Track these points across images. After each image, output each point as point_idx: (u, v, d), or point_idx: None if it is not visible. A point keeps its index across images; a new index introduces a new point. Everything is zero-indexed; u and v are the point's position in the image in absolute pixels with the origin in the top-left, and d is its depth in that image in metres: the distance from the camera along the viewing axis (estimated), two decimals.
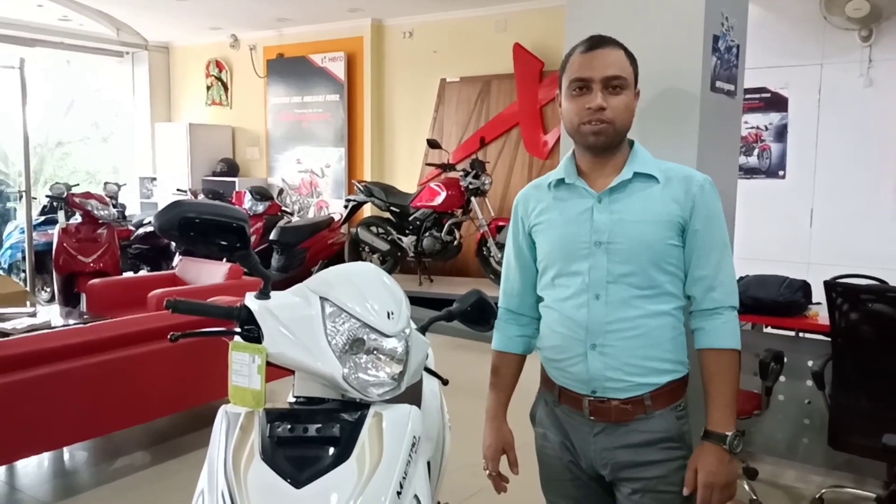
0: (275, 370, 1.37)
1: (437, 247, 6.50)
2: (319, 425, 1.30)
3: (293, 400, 1.43)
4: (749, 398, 2.95)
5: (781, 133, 5.35)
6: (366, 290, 1.40)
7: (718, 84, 1.86)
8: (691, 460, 1.45)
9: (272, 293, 1.37)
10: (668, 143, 1.73)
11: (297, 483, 1.23)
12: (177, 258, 6.45)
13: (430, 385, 2.00)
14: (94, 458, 3.58)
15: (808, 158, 5.24)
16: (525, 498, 3.07)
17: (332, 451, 1.28)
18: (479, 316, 1.80)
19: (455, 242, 6.55)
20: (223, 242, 1.29)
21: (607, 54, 1.45)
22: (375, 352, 1.37)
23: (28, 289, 5.82)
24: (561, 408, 1.56)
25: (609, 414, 1.47)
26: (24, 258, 6.35)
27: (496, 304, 1.75)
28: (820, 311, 3.19)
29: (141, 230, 7.20)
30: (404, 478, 1.30)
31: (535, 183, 1.62)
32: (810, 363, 3.19)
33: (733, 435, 1.42)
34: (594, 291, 1.45)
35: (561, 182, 1.53)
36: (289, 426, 1.30)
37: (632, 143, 1.52)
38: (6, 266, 7.02)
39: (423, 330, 1.67)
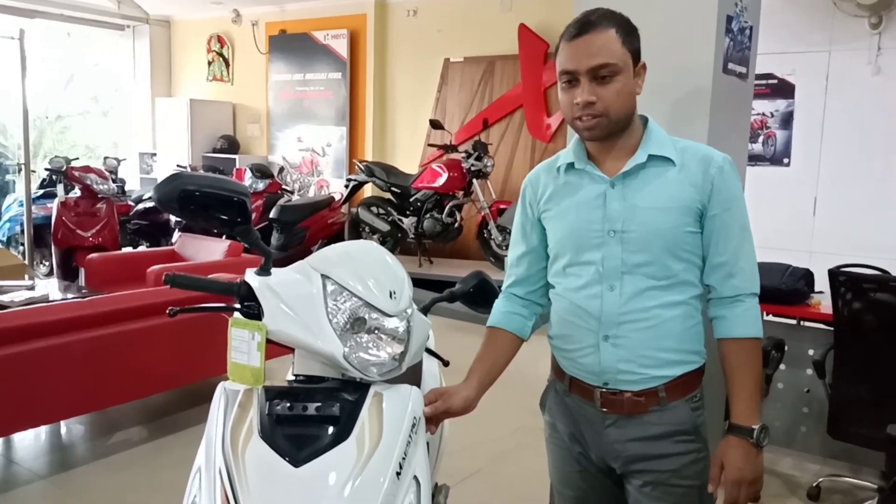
0: (274, 348, 1.35)
1: (438, 228, 6.47)
2: (319, 404, 1.28)
3: (293, 378, 1.41)
4: None
5: (787, 120, 5.31)
6: (368, 268, 1.38)
7: (731, 66, 1.83)
8: (716, 456, 1.39)
9: (273, 270, 1.35)
10: (678, 124, 1.69)
11: (296, 462, 1.21)
12: (176, 234, 6.42)
13: (429, 366, 1.99)
14: (91, 432, 3.57)
15: (814, 146, 5.20)
16: (526, 481, 3.09)
17: (331, 430, 1.26)
18: (482, 297, 1.78)
19: (456, 224, 6.52)
20: (224, 217, 1.26)
21: (592, 41, 1.33)
22: (377, 331, 1.35)
23: (27, 262, 5.79)
24: (571, 397, 1.51)
25: (621, 406, 1.42)
26: (22, 231, 6.32)
27: (499, 286, 1.72)
28: (822, 300, 3.17)
29: (140, 206, 7.16)
30: (404, 458, 1.28)
31: (544, 165, 1.55)
32: (811, 352, 3.18)
33: (759, 428, 1.35)
34: (608, 282, 1.40)
35: (571, 166, 1.47)
36: (288, 404, 1.28)
37: (645, 121, 1.45)
38: (5, 239, 6.98)
39: (425, 311, 1.65)
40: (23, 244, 6.21)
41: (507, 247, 6.18)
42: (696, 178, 1.39)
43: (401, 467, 1.26)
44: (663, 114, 1.71)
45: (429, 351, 1.81)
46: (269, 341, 1.34)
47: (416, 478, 1.29)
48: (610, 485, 1.52)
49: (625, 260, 1.39)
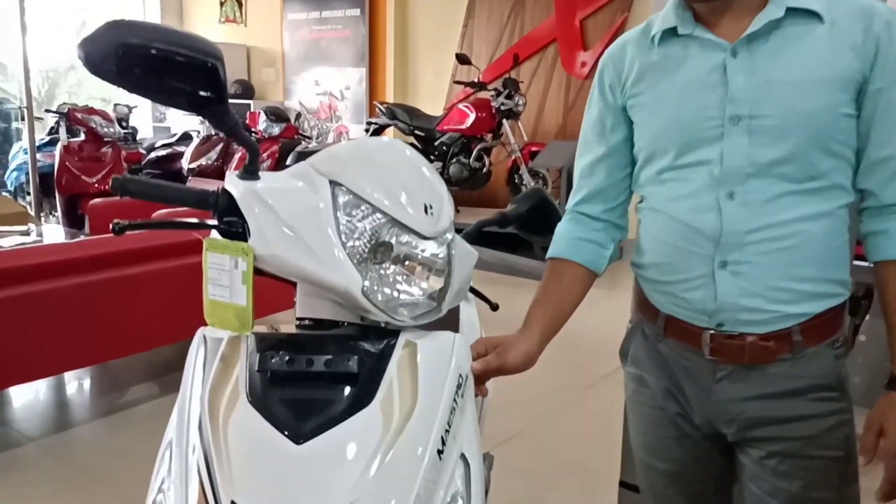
0: (278, 296, 1.00)
1: (465, 174, 6.07)
2: (329, 356, 0.94)
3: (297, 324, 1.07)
4: None
5: None
6: (394, 174, 1.01)
7: None
8: (871, 418, 1.05)
9: (263, 174, 0.98)
10: None
11: (298, 437, 0.87)
12: (189, 181, 6.10)
13: (467, 314, 1.64)
14: (90, 389, 3.33)
15: None
16: (573, 445, 2.77)
17: (346, 392, 0.91)
18: (541, 221, 1.39)
19: (484, 170, 6.11)
20: (186, 89, 0.88)
21: None
22: (407, 261, 0.98)
23: (33, 211, 5.52)
24: (667, 343, 1.16)
25: (740, 353, 1.07)
26: (29, 181, 6.04)
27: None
28: None
29: (153, 154, 6.85)
30: (447, 430, 0.93)
31: (631, 35, 1.16)
32: None
33: None
34: (728, 188, 1.03)
35: (671, 33, 1.08)
36: (287, 357, 0.94)
37: None
38: (12, 189, 6.74)
39: (469, 238, 1.28)
40: (29, 193, 5.93)
41: None
42: (854, 37, 1.00)
43: (443, 443, 0.92)
44: None
45: (474, 292, 1.44)
46: (260, 273, 0.99)
47: (463, 457, 0.95)
48: (717, 456, 1.18)
49: (753, 157, 1.02)
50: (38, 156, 5.86)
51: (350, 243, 0.96)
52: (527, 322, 1.17)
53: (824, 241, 1.04)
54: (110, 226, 0.96)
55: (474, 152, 6.02)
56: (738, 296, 1.04)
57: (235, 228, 0.96)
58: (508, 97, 5.80)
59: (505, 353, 1.10)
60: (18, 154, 6.87)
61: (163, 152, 6.91)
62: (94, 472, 2.51)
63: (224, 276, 0.96)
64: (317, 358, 0.93)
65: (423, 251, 1.00)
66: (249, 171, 0.96)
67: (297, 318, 1.06)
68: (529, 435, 2.82)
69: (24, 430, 2.83)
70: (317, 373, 0.93)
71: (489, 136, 6.03)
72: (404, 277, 1.00)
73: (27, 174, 6.15)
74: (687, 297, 1.09)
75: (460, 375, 1.00)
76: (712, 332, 1.08)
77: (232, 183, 0.96)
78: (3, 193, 6.73)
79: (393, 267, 0.99)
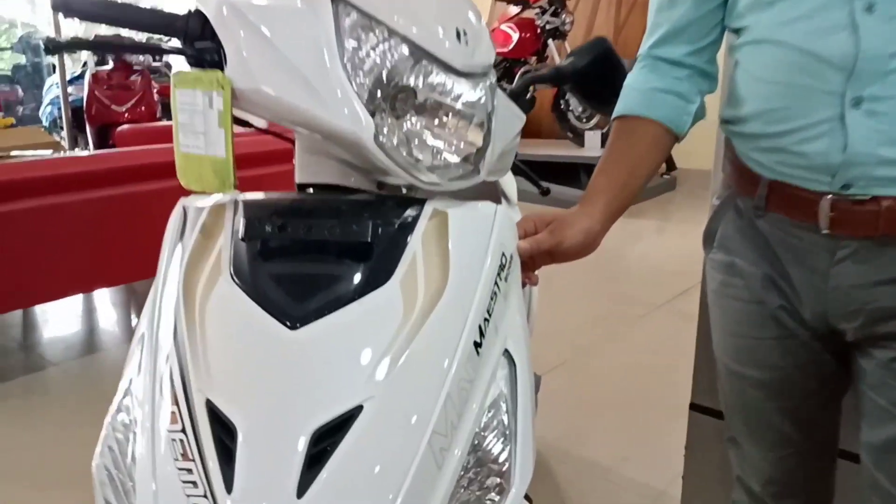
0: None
1: None
2: (334, 221, 0.72)
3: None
4: None
5: None
6: None
7: None
8: None
9: None
10: None
11: (293, 320, 0.67)
12: None
13: (506, 210, 1.41)
14: (114, 315, 3.29)
15: None
16: (617, 377, 2.57)
17: (358, 268, 0.71)
18: (604, 79, 1.14)
19: (528, 96, 5.74)
20: None
21: None
22: (436, 113, 0.76)
23: (67, 145, 5.45)
24: (769, 218, 0.90)
25: (872, 223, 0.80)
26: (62, 117, 5.95)
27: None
28: None
29: None
30: (487, 319, 0.72)
31: None
32: None
33: None
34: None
35: None
36: (280, 222, 0.73)
37: None
38: (47, 124, 6.69)
39: (515, 96, 1.05)
40: (63, 128, 5.86)
41: (587, 118, 5.51)
42: None
43: (482, 334, 0.71)
44: None
45: (519, 171, 1.21)
46: (247, 125, 0.78)
47: (507, 352, 0.74)
48: (829, 360, 0.93)
49: None
50: (70, 89, 5.74)
51: (358, 79, 0.73)
52: (588, 195, 0.93)
53: None
54: (42, 44, 0.75)
55: (517, 77, 5.69)
56: (874, 143, 0.77)
57: (210, 56, 0.75)
58: (554, 15, 5.43)
59: (560, 230, 0.88)
60: (52, 88, 6.78)
61: None
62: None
63: (197, 120, 0.75)
64: (320, 222, 0.72)
65: (455, 97, 0.77)
66: None
67: (298, 186, 0.85)
68: (572, 365, 2.63)
69: (47, 355, 2.77)
70: (319, 242, 0.72)
71: (533, 58, 5.70)
72: (432, 132, 0.77)
73: (60, 108, 6.06)
74: (804, 149, 0.82)
75: (503, 255, 0.79)
76: (834, 196, 0.82)
77: None
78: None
79: (416, 119, 0.76)
